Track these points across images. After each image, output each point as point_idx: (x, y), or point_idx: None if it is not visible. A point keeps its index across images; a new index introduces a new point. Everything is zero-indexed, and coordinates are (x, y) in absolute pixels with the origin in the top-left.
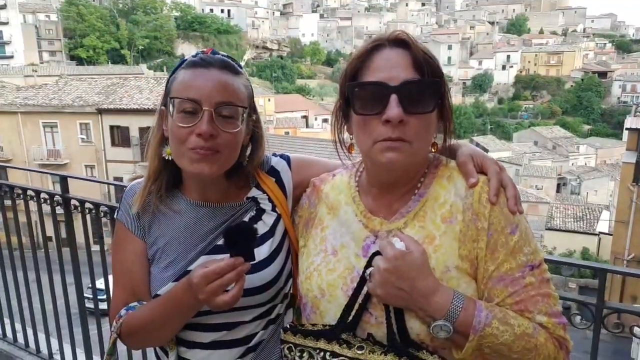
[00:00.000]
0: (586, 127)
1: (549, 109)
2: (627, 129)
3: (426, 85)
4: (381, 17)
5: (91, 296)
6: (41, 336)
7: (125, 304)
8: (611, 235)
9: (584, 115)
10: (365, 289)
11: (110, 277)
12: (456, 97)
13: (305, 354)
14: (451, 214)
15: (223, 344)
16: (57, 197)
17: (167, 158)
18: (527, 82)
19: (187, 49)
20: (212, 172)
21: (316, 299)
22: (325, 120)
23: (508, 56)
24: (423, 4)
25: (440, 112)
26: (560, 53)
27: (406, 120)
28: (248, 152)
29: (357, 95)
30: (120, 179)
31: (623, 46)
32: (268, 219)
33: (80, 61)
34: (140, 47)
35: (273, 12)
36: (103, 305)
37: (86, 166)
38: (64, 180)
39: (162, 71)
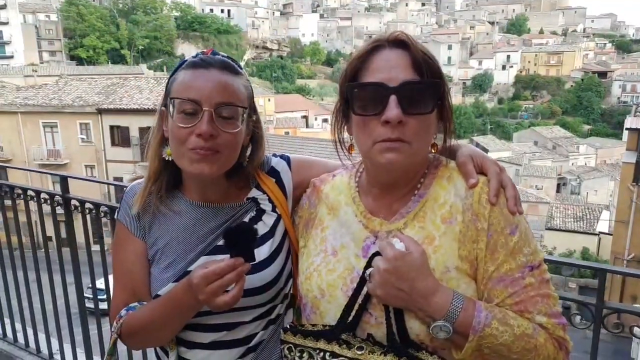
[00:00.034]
0: (586, 127)
1: (549, 109)
2: (627, 129)
3: (425, 86)
4: (381, 17)
5: (91, 296)
6: (41, 336)
7: (126, 304)
8: (611, 235)
9: (584, 115)
10: (365, 289)
11: (111, 277)
12: (456, 97)
13: (305, 354)
14: (451, 214)
15: (223, 344)
16: (57, 197)
17: (167, 159)
18: (527, 82)
19: (187, 49)
20: (212, 173)
21: (316, 299)
22: (325, 120)
23: (508, 56)
24: (423, 4)
25: (440, 112)
26: (560, 53)
27: (405, 121)
28: (248, 152)
29: (357, 96)
30: (120, 179)
31: (623, 46)
32: (268, 220)
33: (80, 61)
34: (140, 47)
35: (273, 12)
36: (103, 305)
37: (86, 166)
38: (64, 181)
39: (162, 71)
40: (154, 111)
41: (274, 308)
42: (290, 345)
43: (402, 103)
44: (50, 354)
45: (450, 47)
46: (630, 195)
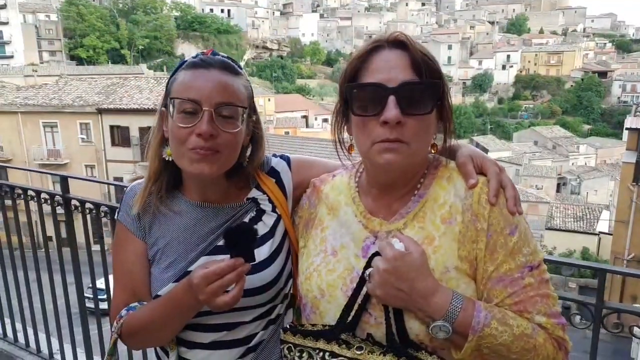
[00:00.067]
0: (586, 127)
1: (549, 109)
2: (627, 128)
3: (424, 86)
4: (381, 17)
5: (91, 296)
6: (42, 336)
7: (126, 304)
8: (611, 235)
9: (584, 115)
10: (364, 289)
11: (111, 277)
12: (456, 97)
13: (304, 354)
14: (450, 214)
15: (223, 344)
16: (57, 197)
17: (167, 159)
18: (527, 82)
19: (187, 49)
20: (212, 172)
21: (316, 299)
22: (325, 120)
23: (508, 56)
24: (423, 4)
25: (439, 112)
26: (560, 53)
27: (404, 121)
28: (248, 152)
29: (356, 97)
30: (121, 179)
31: (623, 46)
32: (268, 220)
33: (80, 61)
34: (140, 47)
35: (273, 12)
36: (103, 305)
37: (86, 166)
38: (64, 181)
39: (162, 71)
40: (154, 111)
41: (274, 308)
42: (290, 345)
43: (401, 103)
44: (51, 354)
45: (450, 47)
46: (630, 195)
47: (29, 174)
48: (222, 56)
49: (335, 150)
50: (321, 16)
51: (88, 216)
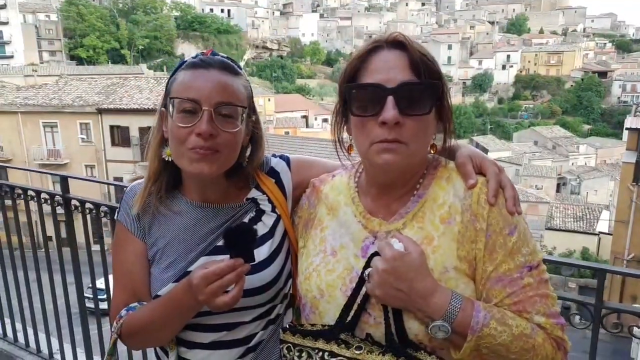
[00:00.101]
0: (586, 127)
1: (549, 109)
2: (627, 128)
3: (423, 87)
4: (381, 17)
5: (91, 296)
6: (41, 336)
7: (126, 304)
8: (611, 235)
9: (584, 115)
10: (364, 289)
11: (111, 277)
12: (456, 97)
13: (304, 354)
14: (450, 214)
15: (223, 344)
16: (57, 197)
17: (167, 159)
18: (527, 82)
19: (187, 49)
20: (211, 172)
21: (315, 299)
22: (325, 120)
23: (508, 56)
24: (423, 4)
25: (438, 112)
26: (560, 53)
27: (402, 122)
28: (248, 153)
29: (355, 97)
30: (120, 179)
31: (623, 46)
32: (268, 220)
33: (80, 61)
34: (140, 47)
35: (273, 12)
36: (103, 305)
37: (86, 166)
38: (64, 181)
39: (162, 71)
40: (154, 111)
41: (274, 308)
42: (289, 344)
43: (399, 104)
44: (51, 354)
45: (450, 47)
46: (630, 195)
47: (29, 174)
48: (222, 56)
49: (335, 150)
50: (321, 16)
51: (88, 216)
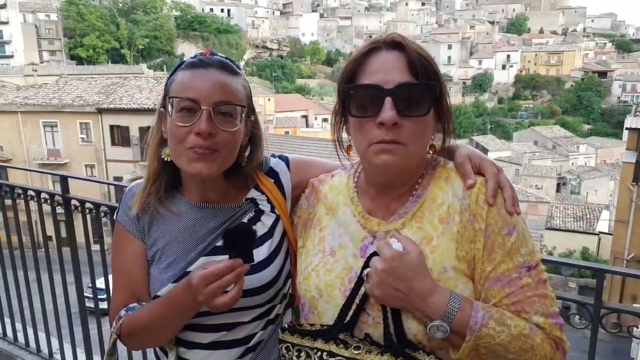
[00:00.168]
0: (586, 127)
1: (549, 109)
2: (627, 128)
3: (421, 88)
4: (381, 17)
5: (91, 295)
6: (41, 335)
7: (125, 304)
8: (611, 235)
9: (584, 114)
10: (362, 289)
11: (111, 277)
12: (456, 97)
13: (302, 354)
14: (449, 214)
15: (222, 345)
16: (57, 197)
17: (166, 159)
18: (527, 82)
19: (187, 49)
20: (210, 172)
21: (314, 299)
22: (325, 120)
23: (508, 56)
24: (423, 4)
25: (437, 113)
26: (560, 53)
27: (401, 123)
28: (247, 153)
29: (353, 98)
30: (120, 179)
31: (623, 46)
32: (267, 220)
33: (80, 61)
34: (140, 47)
35: (273, 12)
36: (103, 305)
37: (86, 166)
38: (64, 180)
39: (162, 71)
40: (154, 111)
41: (273, 308)
42: (288, 344)
43: (397, 105)
44: (50, 354)
45: (450, 47)
46: (630, 195)
47: (29, 173)
48: (221, 56)
49: (335, 150)
50: (321, 16)
51: (88, 216)
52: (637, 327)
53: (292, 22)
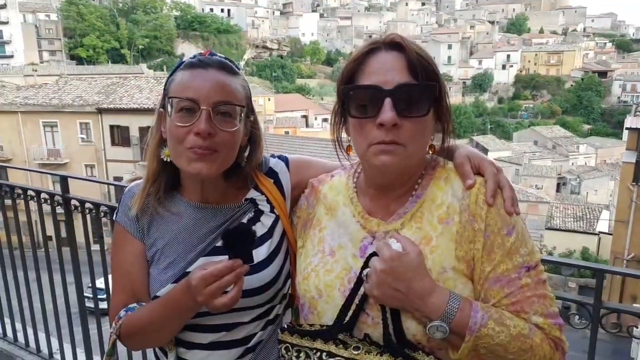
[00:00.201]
0: (586, 127)
1: (549, 109)
2: (627, 128)
3: (420, 88)
4: (381, 17)
5: (91, 295)
6: (41, 335)
7: (125, 305)
8: (611, 234)
9: (584, 114)
10: (362, 289)
11: (110, 277)
12: (456, 97)
13: (302, 354)
14: (448, 215)
15: (222, 345)
16: (57, 197)
17: (165, 160)
18: (527, 82)
19: (187, 49)
20: (210, 172)
21: (313, 299)
22: (325, 120)
23: (508, 56)
24: (423, 4)
25: (437, 113)
26: (561, 52)
27: (400, 123)
28: (246, 153)
29: (352, 99)
30: (120, 179)
31: (623, 46)
32: (266, 220)
33: (80, 61)
34: (140, 47)
35: (273, 12)
36: (103, 305)
37: (86, 166)
38: (64, 180)
39: (162, 71)
40: (154, 111)
41: (273, 308)
42: (288, 344)
43: (397, 106)
44: (50, 354)
45: (450, 47)
46: (630, 195)
47: (29, 173)
48: (220, 56)
49: (335, 150)
50: (321, 16)
51: (88, 216)
52: (637, 327)
53: (292, 22)
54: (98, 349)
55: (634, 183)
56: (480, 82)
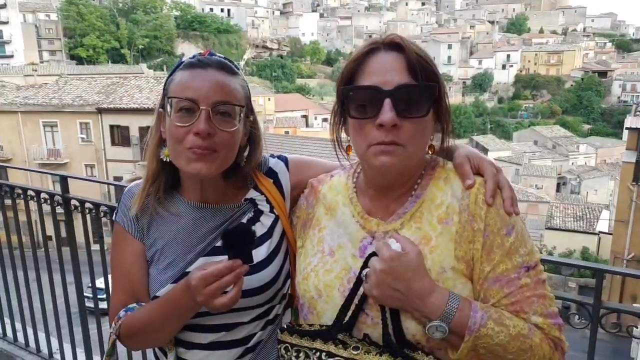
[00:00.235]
0: (586, 127)
1: (549, 109)
2: (627, 128)
3: (420, 89)
4: (381, 17)
5: (91, 295)
6: (41, 335)
7: (124, 305)
8: (611, 234)
9: (584, 114)
10: (361, 289)
11: (110, 277)
12: (456, 97)
13: (301, 354)
14: (447, 215)
15: (222, 345)
16: (57, 197)
17: (165, 160)
18: (527, 82)
19: (187, 49)
20: (209, 172)
21: (313, 299)
22: (325, 120)
23: (508, 55)
24: (423, 3)
25: (436, 113)
26: (560, 52)
27: (400, 124)
28: (246, 153)
29: (352, 99)
30: (120, 179)
31: (623, 45)
32: (266, 220)
33: (80, 60)
34: (140, 47)
35: (273, 12)
36: (103, 305)
37: (86, 165)
38: (64, 180)
39: (162, 70)
40: (154, 110)
41: (272, 308)
42: (287, 344)
43: (396, 106)
44: (50, 354)
45: (450, 47)
46: (630, 195)
47: (29, 173)
48: (219, 56)
49: (334, 150)
50: (321, 16)
51: (88, 216)
52: (637, 327)
53: (292, 22)
54: (98, 349)
55: (634, 183)
56: (480, 82)
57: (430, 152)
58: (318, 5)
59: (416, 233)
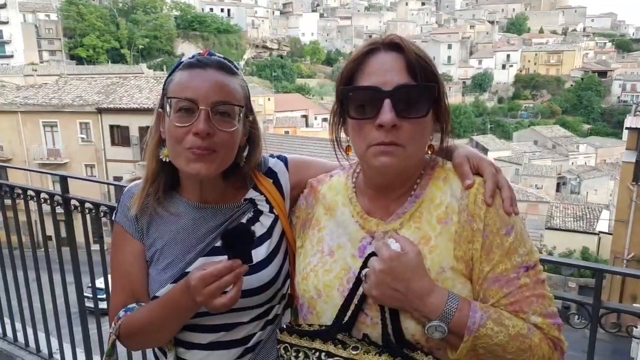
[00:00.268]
0: (586, 127)
1: (548, 109)
2: (627, 128)
3: (420, 89)
4: (381, 17)
5: (91, 295)
6: (41, 335)
7: (124, 305)
8: (611, 234)
9: (583, 114)
10: (361, 289)
11: (110, 277)
12: (456, 97)
13: (301, 354)
14: (447, 215)
15: (221, 345)
16: (57, 197)
17: (164, 160)
18: (527, 82)
19: (187, 48)
20: (209, 172)
21: (312, 299)
22: (325, 120)
23: (508, 55)
24: (423, 3)
25: (436, 113)
26: (560, 52)
27: (399, 124)
28: (245, 153)
29: (352, 100)
30: (120, 179)
31: (623, 45)
32: (266, 221)
33: (80, 60)
34: (140, 47)
35: (273, 12)
36: (103, 305)
37: (86, 165)
38: (64, 180)
39: (162, 70)
40: (154, 110)
41: (272, 308)
42: (287, 345)
43: (396, 107)
44: (50, 354)
45: (450, 47)
46: (630, 195)
47: (29, 173)
48: (219, 56)
49: (334, 150)
50: (321, 16)
51: (87, 216)
52: (637, 327)
53: (292, 22)
54: (98, 349)
55: (634, 183)
56: (480, 82)
57: (429, 152)
58: (318, 5)
59: (415, 233)
